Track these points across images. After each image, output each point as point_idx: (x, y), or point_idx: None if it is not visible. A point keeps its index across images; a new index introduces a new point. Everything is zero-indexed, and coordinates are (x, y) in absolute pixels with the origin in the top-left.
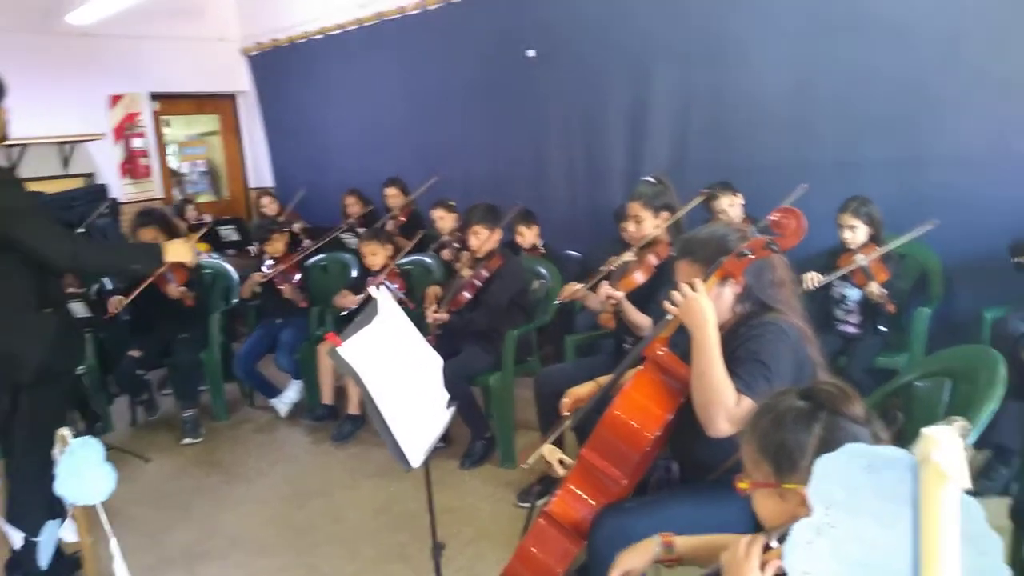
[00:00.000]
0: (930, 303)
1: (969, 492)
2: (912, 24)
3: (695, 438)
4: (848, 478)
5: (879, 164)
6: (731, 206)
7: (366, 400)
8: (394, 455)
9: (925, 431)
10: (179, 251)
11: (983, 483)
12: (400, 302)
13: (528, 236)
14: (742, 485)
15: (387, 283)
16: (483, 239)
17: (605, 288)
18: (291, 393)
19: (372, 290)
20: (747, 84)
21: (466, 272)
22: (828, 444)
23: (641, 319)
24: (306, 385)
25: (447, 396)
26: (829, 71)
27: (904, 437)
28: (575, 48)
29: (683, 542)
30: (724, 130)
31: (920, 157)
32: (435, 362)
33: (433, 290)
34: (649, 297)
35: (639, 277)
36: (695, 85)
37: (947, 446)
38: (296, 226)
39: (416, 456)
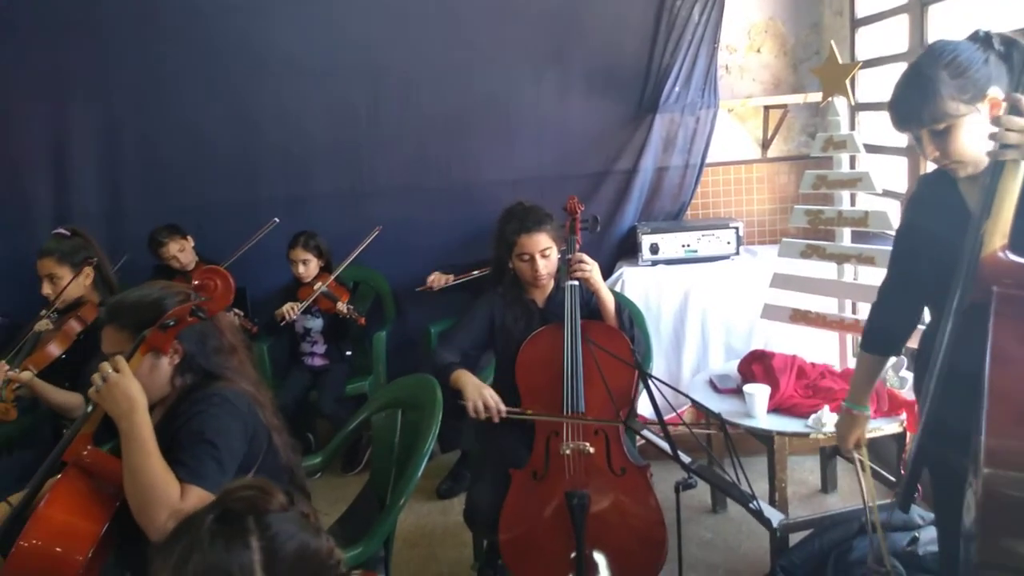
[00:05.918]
0: (385, 325)
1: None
2: (339, 68)
3: (147, 544)
4: None
5: (325, 197)
6: (181, 251)
7: None
8: None
9: None
10: None
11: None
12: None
13: None
14: None
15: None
16: None
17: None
18: None
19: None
20: (187, 124)
21: None
22: (273, 551)
23: (70, 399)
24: None
25: None
26: (270, 109)
27: (372, 468)
28: None
29: None
30: (165, 172)
31: (360, 189)
32: None
33: None
34: (80, 369)
35: (54, 349)
36: (123, 125)
37: None
38: None
39: None
